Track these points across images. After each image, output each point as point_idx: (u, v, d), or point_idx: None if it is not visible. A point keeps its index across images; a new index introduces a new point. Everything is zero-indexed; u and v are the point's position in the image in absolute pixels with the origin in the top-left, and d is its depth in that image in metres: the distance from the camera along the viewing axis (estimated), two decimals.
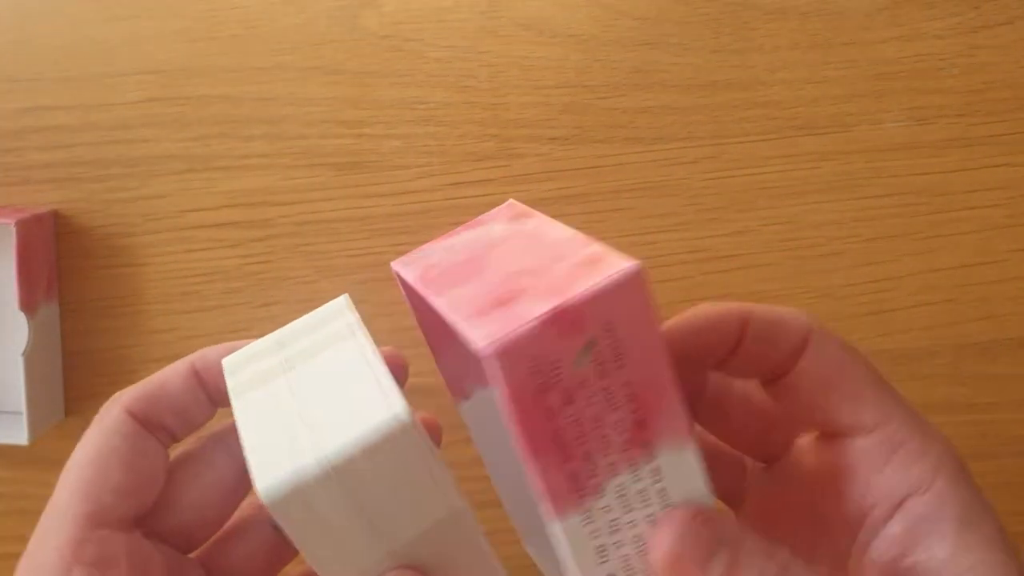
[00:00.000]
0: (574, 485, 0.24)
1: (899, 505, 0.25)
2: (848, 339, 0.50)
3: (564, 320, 0.23)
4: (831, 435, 0.27)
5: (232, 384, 0.27)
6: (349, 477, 0.23)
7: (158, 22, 0.50)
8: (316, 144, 0.50)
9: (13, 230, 0.46)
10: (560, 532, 0.24)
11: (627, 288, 0.23)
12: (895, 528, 0.25)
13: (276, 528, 0.29)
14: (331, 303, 0.29)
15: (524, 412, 0.23)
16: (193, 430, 0.28)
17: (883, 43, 0.49)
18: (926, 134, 0.49)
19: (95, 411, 0.51)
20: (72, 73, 0.50)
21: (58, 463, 0.53)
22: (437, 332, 0.32)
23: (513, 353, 0.22)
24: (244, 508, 0.29)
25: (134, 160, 0.51)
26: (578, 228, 0.52)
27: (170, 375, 0.28)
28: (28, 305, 0.48)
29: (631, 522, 0.25)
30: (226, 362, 0.28)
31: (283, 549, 0.29)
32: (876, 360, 0.50)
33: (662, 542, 0.23)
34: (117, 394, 0.27)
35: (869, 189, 0.50)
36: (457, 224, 0.52)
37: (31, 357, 0.48)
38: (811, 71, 0.49)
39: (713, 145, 0.49)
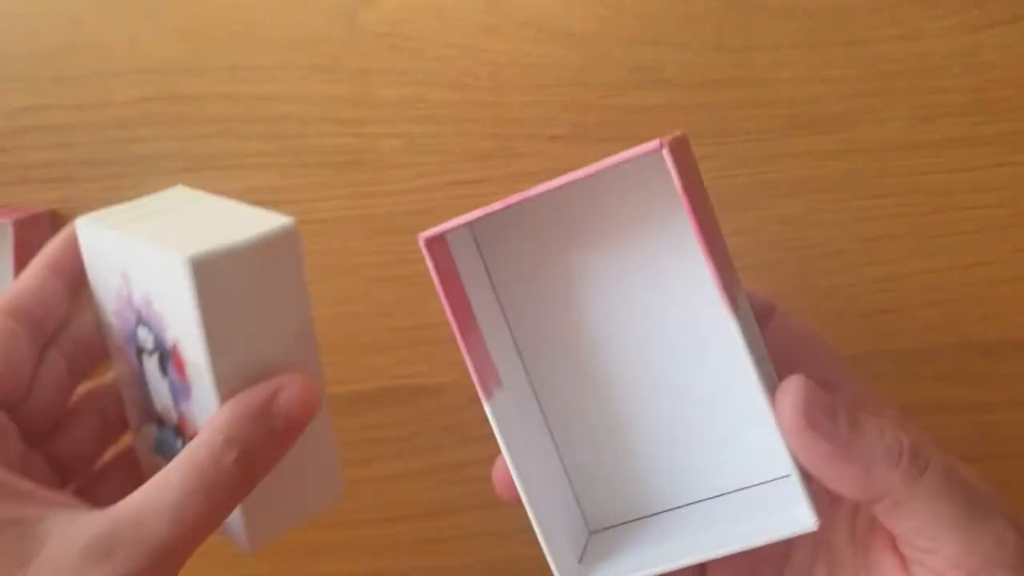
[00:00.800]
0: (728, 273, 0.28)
1: None
2: (850, 339, 0.50)
3: None
4: None
5: (95, 230, 0.31)
6: (251, 261, 0.27)
7: (156, 21, 0.50)
8: (315, 143, 0.50)
9: (10, 230, 0.46)
10: (736, 329, 0.26)
11: None
12: None
13: (102, 416, 0.33)
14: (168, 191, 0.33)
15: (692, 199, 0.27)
16: (57, 318, 0.32)
17: (886, 42, 0.49)
18: (928, 133, 0.49)
19: None
20: (69, 72, 0.50)
21: None
22: (464, 312, 0.31)
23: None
24: (74, 401, 0.33)
25: (132, 159, 0.50)
26: None
27: (26, 276, 0.31)
28: None
29: None
30: (80, 221, 0.31)
31: (108, 434, 0.34)
32: (878, 360, 0.50)
33: (794, 408, 0.26)
34: None
35: (871, 188, 0.50)
36: None
37: None
38: (813, 70, 0.49)
39: (715, 144, 0.49)
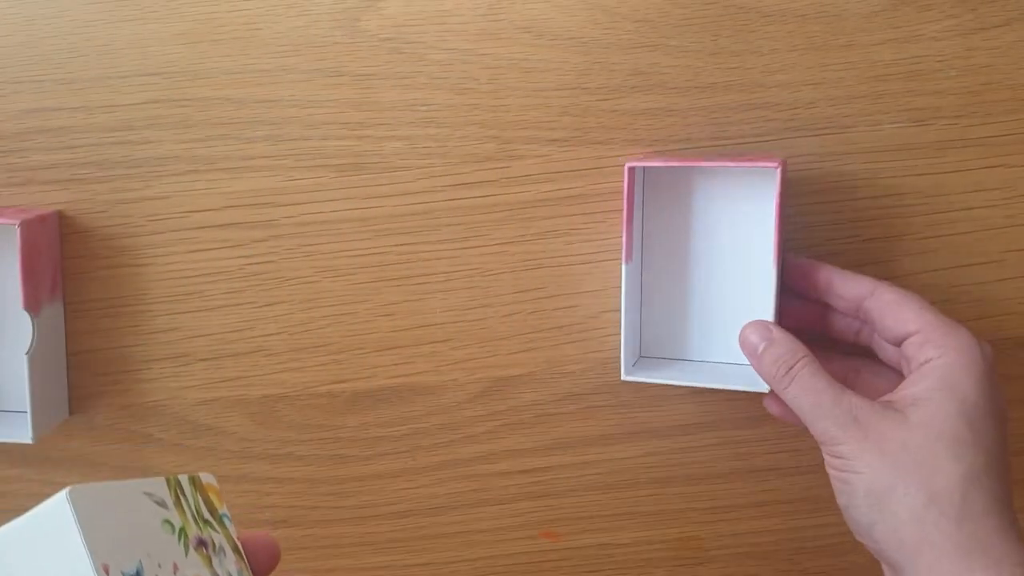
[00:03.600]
0: None
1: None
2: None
3: None
4: (894, 343, 0.45)
5: None
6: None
7: (161, 24, 0.50)
8: (318, 145, 0.51)
9: (17, 231, 0.47)
10: (774, 273, 0.47)
11: None
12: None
13: None
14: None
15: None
16: None
17: (881, 45, 0.49)
18: (923, 135, 0.50)
19: (99, 410, 0.52)
20: (76, 75, 0.51)
21: (62, 461, 0.53)
22: (631, 208, 0.49)
23: None
24: None
25: (138, 161, 0.51)
26: (578, 228, 0.53)
27: None
28: (32, 305, 0.48)
29: None
30: None
31: None
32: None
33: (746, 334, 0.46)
34: None
35: (866, 190, 0.50)
36: (458, 224, 0.53)
37: (35, 356, 0.48)
38: (809, 73, 0.49)
39: (712, 146, 0.50)
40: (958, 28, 0.49)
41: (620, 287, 0.48)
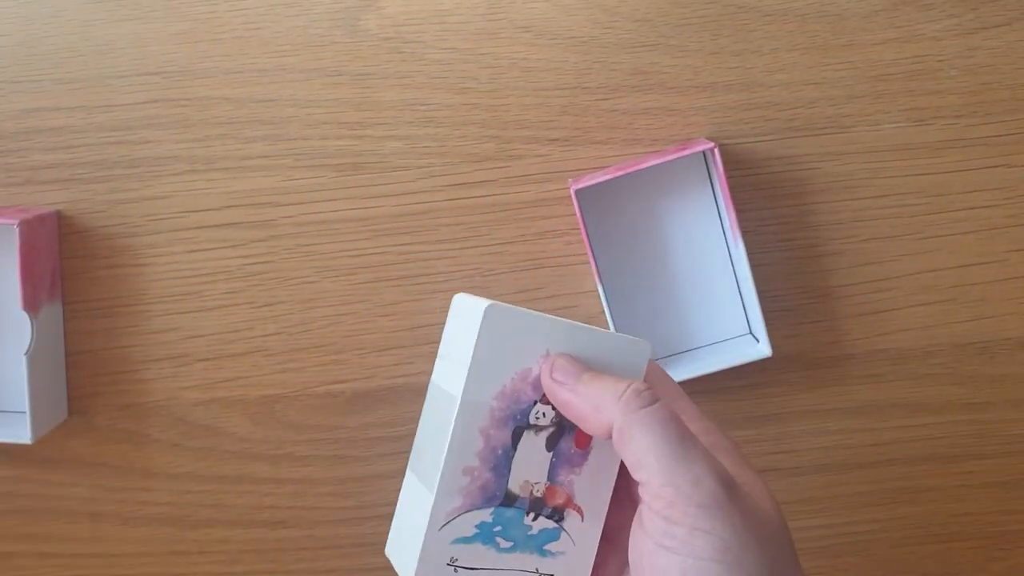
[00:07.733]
0: None
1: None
2: (846, 339, 0.50)
3: None
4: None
5: (510, 313, 0.34)
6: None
7: (160, 24, 0.50)
8: (318, 145, 0.51)
9: (16, 231, 0.47)
10: (742, 248, 0.48)
11: None
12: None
13: None
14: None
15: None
16: None
17: (881, 45, 0.49)
18: (924, 135, 0.50)
19: (98, 410, 0.52)
20: (75, 75, 0.51)
21: (61, 462, 0.53)
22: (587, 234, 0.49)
23: None
24: None
25: (137, 161, 0.51)
26: (577, 228, 0.53)
27: None
28: (31, 305, 0.48)
29: None
30: (488, 306, 0.34)
31: None
32: (874, 360, 0.51)
33: (544, 368, 0.34)
34: None
35: (867, 190, 0.50)
36: (458, 224, 0.53)
37: (34, 357, 0.48)
38: (809, 72, 0.49)
39: None
40: (959, 28, 0.49)
41: (605, 307, 0.48)
